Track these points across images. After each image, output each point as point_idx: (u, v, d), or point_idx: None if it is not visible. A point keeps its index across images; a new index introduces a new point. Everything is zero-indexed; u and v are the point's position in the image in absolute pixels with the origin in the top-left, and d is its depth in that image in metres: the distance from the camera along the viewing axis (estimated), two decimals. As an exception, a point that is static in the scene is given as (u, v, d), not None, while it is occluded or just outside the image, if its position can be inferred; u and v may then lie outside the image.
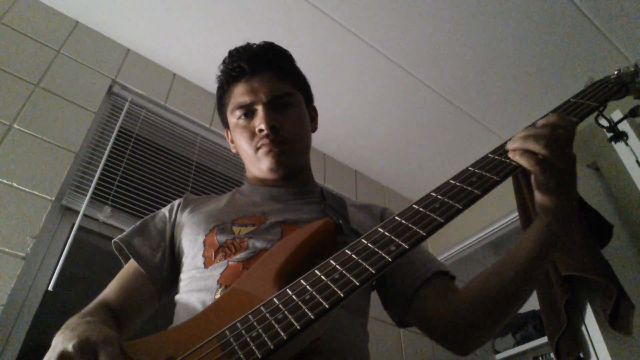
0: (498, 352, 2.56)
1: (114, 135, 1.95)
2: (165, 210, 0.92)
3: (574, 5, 1.96)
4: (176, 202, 0.93)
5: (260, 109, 0.85)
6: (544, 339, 2.18)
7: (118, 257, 0.89)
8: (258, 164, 0.86)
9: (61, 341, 0.53)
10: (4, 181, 1.58)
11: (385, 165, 2.84)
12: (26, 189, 1.61)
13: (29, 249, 1.51)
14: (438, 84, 2.34)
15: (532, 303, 2.42)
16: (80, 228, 1.65)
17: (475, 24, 2.05)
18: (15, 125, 1.71)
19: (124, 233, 0.88)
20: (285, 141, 0.85)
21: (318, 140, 2.67)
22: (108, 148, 1.90)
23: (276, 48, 0.92)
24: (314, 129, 0.98)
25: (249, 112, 0.86)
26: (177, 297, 0.78)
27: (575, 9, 1.98)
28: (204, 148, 2.26)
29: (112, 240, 0.88)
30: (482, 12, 2.00)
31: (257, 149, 0.85)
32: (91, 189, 1.75)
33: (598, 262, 1.52)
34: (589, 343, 1.51)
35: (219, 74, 0.93)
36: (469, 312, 0.69)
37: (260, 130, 0.84)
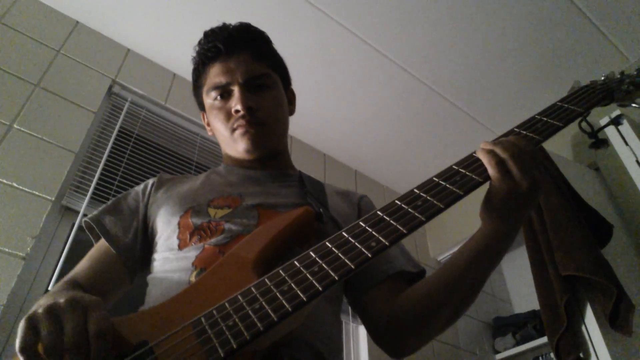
0: (498, 352, 2.56)
1: (114, 135, 1.95)
2: (138, 189, 0.90)
3: (573, 4, 1.96)
4: (150, 182, 0.91)
5: (236, 89, 0.83)
6: (544, 339, 2.18)
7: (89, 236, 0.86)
8: (234, 145, 0.85)
9: (50, 297, 0.51)
10: (4, 181, 1.58)
11: (385, 165, 2.84)
12: (26, 189, 1.61)
13: (29, 249, 1.51)
14: (438, 83, 2.34)
15: (532, 303, 2.42)
16: (80, 228, 1.65)
17: (475, 24, 2.05)
18: (15, 125, 1.71)
19: (95, 212, 0.86)
20: (261, 122, 0.84)
21: (318, 140, 2.67)
22: (108, 148, 1.90)
23: (252, 29, 0.91)
24: (292, 112, 0.97)
25: (224, 93, 0.85)
26: (149, 277, 0.77)
27: (575, 8, 1.98)
28: (204, 148, 2.26)
29: (83, 220, 0.85)
30: (482, 12, 2.00)
31: (233, 130, 0.84)
32: (91, 189, 1.75)
33: (598, 262, 1.51)
34: (589, 343, 1.50)
35: (194, 55, 0.91)
36: (404, 316, 0.70)
37: (237, 111, 0.82)
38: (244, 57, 0.86)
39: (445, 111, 2.46)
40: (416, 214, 0.57)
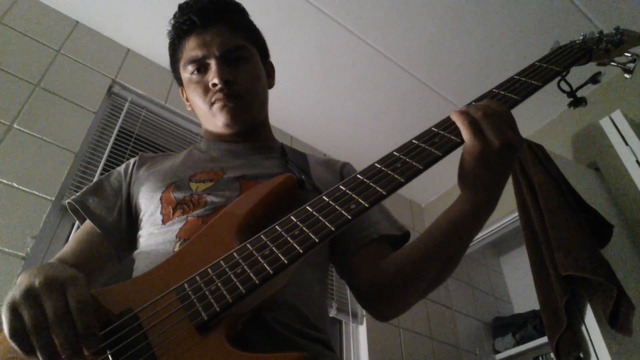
0: (498, 352, 2.56)
1: (114, 135, 1.95)
2: (120, 169, 0.90)
3: (572, 4, 1.97)
4: (132, 161, 0.91)
5: (213, 63, 0.82)
6: (544, 339, 2.18)
7: (73, 217, 0.87)
8: (213, 119, 0.84)
9: (27, 278, 0.52)
10: (4, 181, 1.58)
11: (385, 165, 2.84)
12: (26, 189, 1.61)
13: (29, 249, 1.51)
14: (438, 83, 2.34)
15: (532, 303, 2.42)
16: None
17: (474, 23, 2.05)
18: (15, 125, 1.71)
19: (78, 193, 0.86)
20: (239, 95, 0.83)
21: (318, 140, 2.67)
22: (108, 148, 1.90)
23: (227, 1, 0.89)
24: (271, 85, 0.96)
25: (201, 66, 0.84)
26: (135, 253, 0.77)
27: (574, 7, 1.98)
28: (204, 148, 2.26)
29: (66, 202, 0.86)
30: (481, 13, 2.00)
31: (212, 104, 0.83)
32: (91, 189, 1.75)
33: (598, 262, 1.51)
34: (589, 343, 1.50)
35: (169, 29, 0.89)
36: (386, 278, 0.72)
37: (214, 85, 0.81)
38: (219, 29, 0.84)
39: (445, 110, 2.45)
40: (395, 176, 0.58)
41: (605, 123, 1.81)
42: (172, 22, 0.89)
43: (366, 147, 2.73)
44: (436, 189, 2.97)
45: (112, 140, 1.93)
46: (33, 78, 1.85)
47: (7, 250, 1.48)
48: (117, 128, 1.98)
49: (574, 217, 1.65)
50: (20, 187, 1.61)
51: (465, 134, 0.59)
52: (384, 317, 0.76)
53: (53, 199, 1.65)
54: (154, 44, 2.19)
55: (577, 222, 1.63)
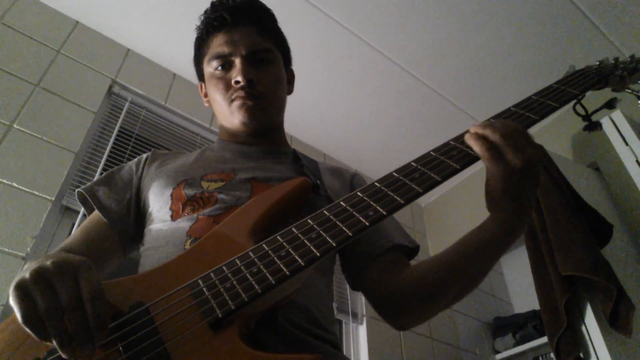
0: (498, 352, 2.56)
1: (114, 135, 1.95)
2: (132, 163, 0.91)
3: (572, 4, 1.97)
4: (144, 156, 0.92)
5: (238, 61, 0.83)
6: (544, 339, 2.18)
7: (82, 207, 0.87)
8: (231, 117, 0.85)
9: (37, 262, 0.50)
10: (4, 181, 1.58)
11: (385, 165, 2.84)
12: (26, 189, 1.61)
13: (29, 249, 1.51)
14: (438, 83, 2.34)
15: (532, 303, 2.42)
16: (80, 228, 1.65)
17: (474, 23, 2.05)
18: (15, 125, 1.71)
19: (89, 183, 0.87)
20: (260, 96, 0.84)
21: (318, 140, 2.67)
22: (108, 148, 1.90)
23: (259, 4, 0.91)
24: (290, 91, 0.97)
25: (226, 63, 0.85)
26: (142, 249, 0.77)
27: (573, 6, 1.98)
28: (204, 148, 2.26)
29: (76, 190, 0.86)
30: (481, 12, 2.00)
31: (232, 101, 0.84)
32: (91, 189, 1.75)
33: (598, 262, 1.51)
34: (589, 343, 1.50)
35: (199, 24, 0.91)
36: (410, 290, 0.71)
37: (237, 82, 0.82)
38: (248, 30, 0.86)
39: (445, 111, 2.46)
40: (413, 186, 0.58)
41: (605, 123, 1.81)
42: (202, 17, 0.90)
43: (366, 147, 2.73)
44: (436, 189, 2.97)
45: (112, 140, 1.93)
46: (33, 78, 1.85)
47: (7, 250, 1.48)
48: (117, 128, 1.98)
49: (574, 217, 1.65)
50: (20, 187, 1.61)
51: (486, 159, 0.59)
52: (403, 327, 0.76)
53: (53, 199, 1.65)
54: (154, 44, 2.19)
55: (577, 222, 1.63)
